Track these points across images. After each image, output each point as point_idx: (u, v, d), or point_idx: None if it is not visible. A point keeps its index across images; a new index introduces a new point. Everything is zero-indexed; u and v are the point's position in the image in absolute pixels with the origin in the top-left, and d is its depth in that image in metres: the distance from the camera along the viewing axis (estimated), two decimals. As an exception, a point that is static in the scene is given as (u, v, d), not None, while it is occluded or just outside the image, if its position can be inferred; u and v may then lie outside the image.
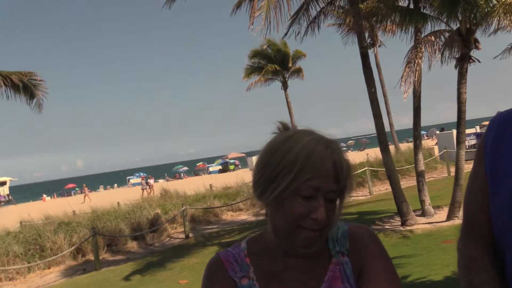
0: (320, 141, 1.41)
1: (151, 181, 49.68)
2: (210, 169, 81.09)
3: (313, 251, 1.47)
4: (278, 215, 1.43)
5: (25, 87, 15.67)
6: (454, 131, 24.35)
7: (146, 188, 44.70)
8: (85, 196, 54.41)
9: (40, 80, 16.10)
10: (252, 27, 12.86)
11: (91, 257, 15.09)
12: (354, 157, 35.03)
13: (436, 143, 34.54)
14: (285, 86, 36.73)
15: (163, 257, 14.09)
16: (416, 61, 13.36)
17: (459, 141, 13.08)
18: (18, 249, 14.74)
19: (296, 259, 1.52)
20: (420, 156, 14.39)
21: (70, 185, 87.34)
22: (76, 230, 16.52)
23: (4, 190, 77.09)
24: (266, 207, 1.48)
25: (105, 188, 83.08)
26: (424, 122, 14.67)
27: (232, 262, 1.56)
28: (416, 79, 13.35)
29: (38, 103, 16.11)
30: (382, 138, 13.39)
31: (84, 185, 65.57)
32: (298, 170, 1.37)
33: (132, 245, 16.53)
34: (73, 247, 15.02)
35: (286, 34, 15.58)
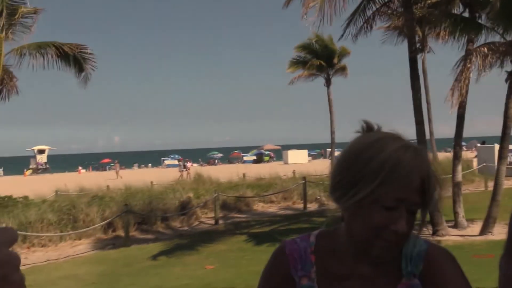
0: (409, 149, 1.32)
1: (189, 164, 50.16)
2: (245, 158, 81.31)
3: (387, 259, 1.38)
4: (355, 221, 1.36)
5: (75, 59, 15.92)
6: (496, 146, 23.91)
7: (183, 171, 45.04)
8: (117, 173, 55.18)
9: (90, 54, 16.31)
10: (305, 17, 12.78)
11: (121, 232, 15.34)
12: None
13: (476, 156, 33.95)
14: (328, 83, 36.48)
15: (191, 240, 14.23)
16: (465, 73, 13.17)
17: (501, 156, 12.84)
18: (53, 217, 15.09)
19: (365, 267, 1.44)
20: (459, 167, 14.19)
21: (106, 160, 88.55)
22: (109, 205, 16.81)
23: (43, 158, 78.83)
24: (342, 210, 1.40)
25: (139, 167, 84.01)
26: (464, 133, 14.43)
27: (296, 258, 1.49)
28: (463, 90, 13.16)
29: (85, 77, 16.36)
30: (422, 145, 13.22)
31: (116, 161, 66.49)
32: (382, 180, 1.28)
33: (162, 226, 16.73)
34: (105, 221, 15.29)
35: (342, 36, 15.44)
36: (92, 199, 17.56)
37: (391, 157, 1.29)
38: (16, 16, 15.35)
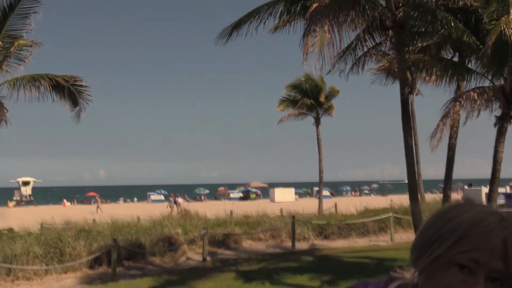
0: (494, 214, 1.23)
1: (180, 199, 49.86)
2: (231, 195, 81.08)
3: None
4: (429, 284, 1.25)
5: (70, 91, 15.83)
6: (484, 188, 24.04)
7: (173, 206, 44.65)
8: (97, 207, 54.87)
9: (85, 86, 16.18)
10: (306, 63, 13.01)
11: (107, 267, 15.15)
12: (377, 202, 34.82)
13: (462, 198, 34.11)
14: (317, 122, 36.76)
15: (179, 277, 14.09)
16: (453, 115, 13.37)
17: (490, 199, 12.97)
18: (39, 250, 14.91)
19: None
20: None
21: (91, 193, 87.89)
22: (96, 239, 16.65)
23: (27, 190, 77.96)
24: (418, 275, 1.30)
25: (125, 201, 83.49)
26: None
27: None
28: (452, 132, 13.34)
29: (79, 111, 16.27)
30: (412, 186, 13.33)
31: (97, 195, 65.94)
32: (458, 237, 1.20)
33: (150, 260, 16.57)
34: (92, 256, 15.12)
35: (330, 71, 15.69)
36: (78, 233, 17.38)
37: (472, 217, 1.22)
38: (12, 48, 15.39)
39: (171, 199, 50.07)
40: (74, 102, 16.01)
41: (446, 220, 1.25)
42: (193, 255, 17.77)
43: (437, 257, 1.22)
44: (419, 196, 31.83)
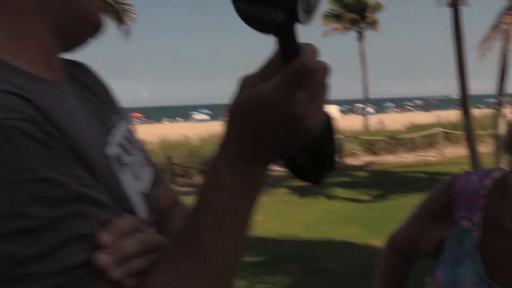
0: None
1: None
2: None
3: None
4: None
5: (114, 9, 15.76)
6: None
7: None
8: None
9: (128, 5, 16.12)
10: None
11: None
12: (423, 117, 34.53)
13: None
14: (361, 37, 36.18)
15: (233, 192, 14.41)
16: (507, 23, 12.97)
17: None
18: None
19: None
20: (503, 122, 14.10)
21: (135, 114, 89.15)
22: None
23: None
24: None
25: (169, 121, 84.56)
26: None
27: (463, 197, 1.46)
28: (506, 41, 12.99)
29: (126, 30, 16.29)
30: (464, 99, 13.13)
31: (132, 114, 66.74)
32: None
33: (201, 178, 16.99)
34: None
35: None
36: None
37: None
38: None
39: None
40: (120, 20, 15.98)
41: None
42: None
43: None
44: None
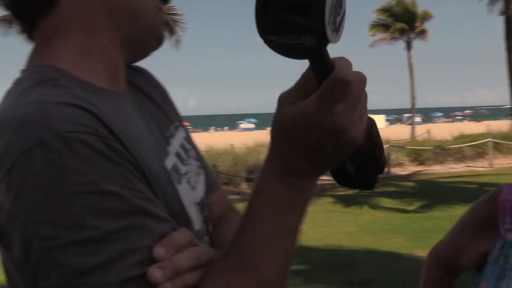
0: None
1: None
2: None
3: None
4: None
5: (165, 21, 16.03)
6: None
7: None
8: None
9: (179, 15, 16.36)
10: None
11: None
12: (472, 127, 33.89)
13: None
14: (409, 46, 35.79)
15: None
16: None
17: None
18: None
19: None
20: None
21: (184, 123, 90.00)
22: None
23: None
24: None
25: (215, 130, 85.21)
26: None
27: (507, 210, 1.42)
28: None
29: (176, 40, 16.53)
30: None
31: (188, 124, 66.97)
32: None
33: (247, 187, 17.09)
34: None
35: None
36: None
37: None
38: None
39: None
40: (171, 31, 16.23)
41: None
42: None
43: None
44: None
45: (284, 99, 0.75)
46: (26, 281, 0.78)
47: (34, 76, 0.86)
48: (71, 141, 0.73)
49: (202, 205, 1.07)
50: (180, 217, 0.93)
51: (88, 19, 0.91)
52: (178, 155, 1.05)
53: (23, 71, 0.91)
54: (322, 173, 0.80)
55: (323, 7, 0.65)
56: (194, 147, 1.19)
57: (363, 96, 0.74)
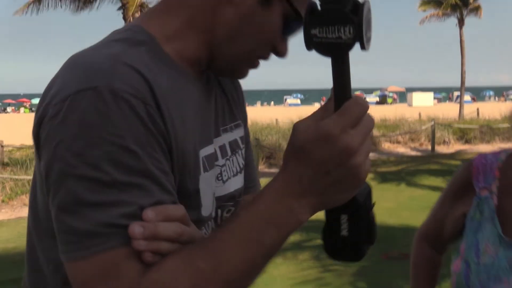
0: None
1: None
2: (368, 99, 79.62)
3: None
4: None
5: None
6: None
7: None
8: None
9: None
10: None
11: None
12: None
13: None
14: (461, 23, 34.81)
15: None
16: None
17: None
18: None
19: None
20: None
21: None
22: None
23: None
24: None
25: (261, 104, 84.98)
26: None
27: (480, 170, 1.58)
28: None
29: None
30: None
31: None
32: None
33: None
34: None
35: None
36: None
37: None
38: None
39: None
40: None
41: None
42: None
43: None
44: None
45: (301, 125, 0.82)
46: (42, 193, 0.95)
47: (127, 33, 1.02)
48: (119, 98, 0.85)
49: (225, 199, 1.16)
50: (192, 198, 1.02)
51: (201, 20, 1.04)
52: (221, 148, 1.15)
53: (127, 25, 1.07)
54: (323, 205, 0.85)
55: (362, 12, 0.76)
56: (248, 148, 1.29)
57: (369, 136, 0.82)
